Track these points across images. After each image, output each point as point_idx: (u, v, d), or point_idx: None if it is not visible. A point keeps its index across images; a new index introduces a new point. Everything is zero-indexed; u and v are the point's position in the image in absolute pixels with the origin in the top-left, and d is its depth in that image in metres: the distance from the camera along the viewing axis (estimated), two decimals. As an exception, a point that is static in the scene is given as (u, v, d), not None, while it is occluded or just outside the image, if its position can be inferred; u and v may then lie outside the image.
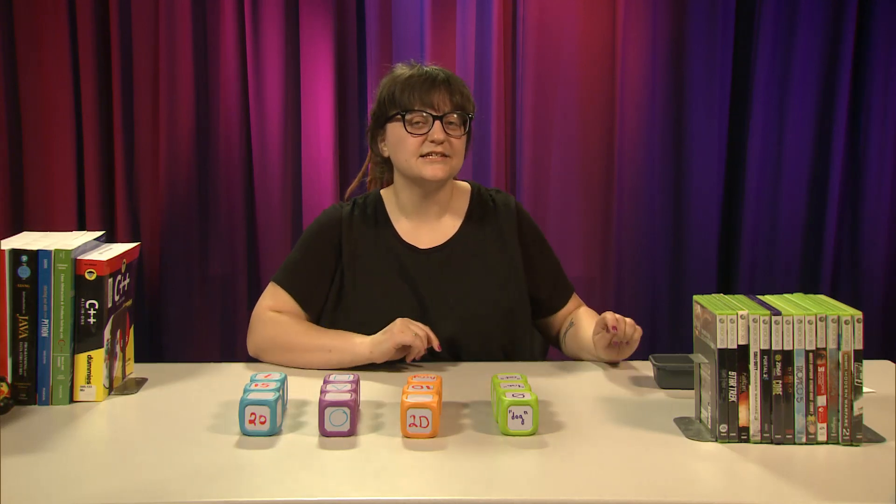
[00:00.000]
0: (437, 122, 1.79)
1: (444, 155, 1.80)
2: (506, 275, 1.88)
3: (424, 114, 1.80)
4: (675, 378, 1.63)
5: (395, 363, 1.76)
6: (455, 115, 1.81)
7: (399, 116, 1.81)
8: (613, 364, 1.79)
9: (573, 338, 1.89)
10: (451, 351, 1.82)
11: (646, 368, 1.76)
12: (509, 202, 1.94)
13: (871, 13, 2.94)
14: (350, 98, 3.06)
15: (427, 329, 1.72)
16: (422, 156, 1.80)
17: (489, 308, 1.84)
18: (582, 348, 1.85)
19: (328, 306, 1.88)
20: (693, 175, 3.02)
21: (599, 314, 1.78)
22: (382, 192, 1.95)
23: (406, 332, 1.69)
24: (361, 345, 1.73)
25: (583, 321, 1.90)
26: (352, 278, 1.86)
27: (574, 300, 1.98)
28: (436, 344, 1.72)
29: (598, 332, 1.74)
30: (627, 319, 1.73)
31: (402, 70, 1.87)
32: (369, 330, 1.75)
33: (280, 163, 3.03)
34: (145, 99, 3.02)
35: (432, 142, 1.79)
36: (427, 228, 1.90)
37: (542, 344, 2.04)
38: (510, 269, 1.89)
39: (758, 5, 2.96)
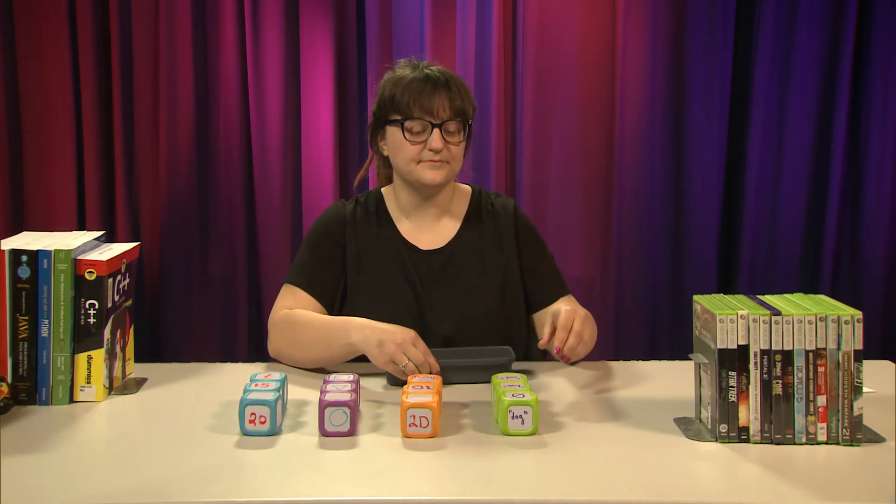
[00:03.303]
0: (436, 130, 1.80)
1: (442, 161, 1.81)
2: (503, 277, 1.88)
3: (423, 121, 1.80)
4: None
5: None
6: (453, 123, 1.81)
7: (398, 122, 1.82)
8: (571, 364, 1.76)
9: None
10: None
11: (646, 368, 1.76)
12: (508, 205, 1.95)
13: (871, 13, 2.93)
14: (350, 98, 3.05)
15: (422, 355, 1.63)
16: (420, 161, 1.81)
17: (486, 309, 1.85)
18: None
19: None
20: (693, 175, 3.01)
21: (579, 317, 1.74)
22: (384, 190, 1.96)
23: (388, 365, 1.62)
24: (357, 336, 1.68)
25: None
26: (355, 276, 1.87)
27: (565, 302, 1.93)
28: (431, 370, 1.63)
29: (545, 334, 1.66)
30: (575, 331, 1.63)
31: (403, 70, 1.87)
32: None
33: (280, 163, 3.02)
34: (145, 99, 3.01)
35: (430, 150, 1.80)
36: (428, 229, 1.91)
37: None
38: (507, 271, 1.89)
39: (758, 5, 2.95)
